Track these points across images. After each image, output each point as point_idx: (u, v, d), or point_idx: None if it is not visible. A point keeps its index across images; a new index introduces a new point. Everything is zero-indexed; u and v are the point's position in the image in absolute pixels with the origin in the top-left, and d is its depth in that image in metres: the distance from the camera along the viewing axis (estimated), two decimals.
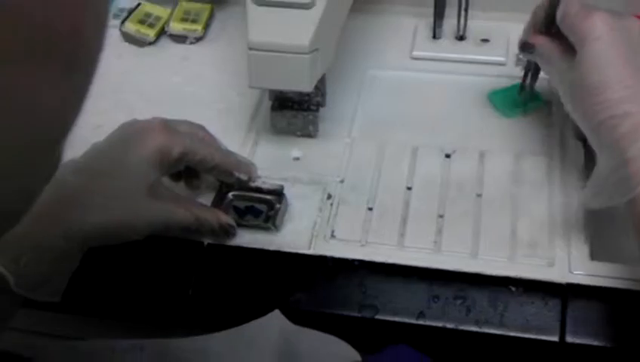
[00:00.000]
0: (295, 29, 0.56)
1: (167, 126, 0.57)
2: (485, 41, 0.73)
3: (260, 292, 0.56)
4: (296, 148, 0.66)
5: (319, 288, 0.56)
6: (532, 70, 0.64)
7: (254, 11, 0.57)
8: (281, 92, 0.63)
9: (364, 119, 0.68)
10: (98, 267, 0.57)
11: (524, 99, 0.66)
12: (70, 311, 0.58)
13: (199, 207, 0.59)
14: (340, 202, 0.61)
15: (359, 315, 0.54)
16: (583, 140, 0.62)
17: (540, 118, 0.66)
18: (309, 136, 0.66)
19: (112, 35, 0.78)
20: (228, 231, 0.59)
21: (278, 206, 0.59)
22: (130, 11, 0.79)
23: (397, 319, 0.54)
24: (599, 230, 0.58)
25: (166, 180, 0.60)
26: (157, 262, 0.58)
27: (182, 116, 0.61)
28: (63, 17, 0.24)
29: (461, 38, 0.73)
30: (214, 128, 0.62)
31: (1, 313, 0.51)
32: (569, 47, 0.55)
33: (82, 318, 0.61)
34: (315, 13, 0.56)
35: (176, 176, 0.61)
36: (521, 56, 0.69)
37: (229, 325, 0.54)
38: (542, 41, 0.58)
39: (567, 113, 0.57)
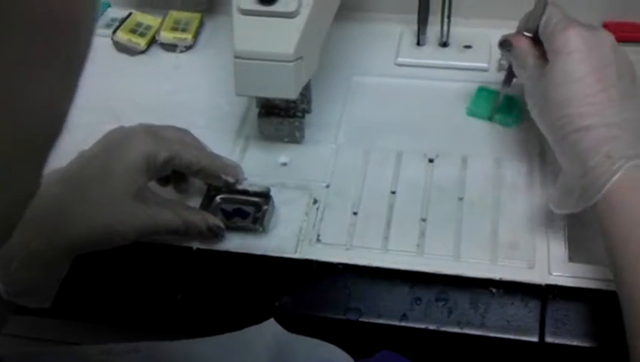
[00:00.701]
0: (280, 38, 0.57)
1: (153, 131, 0.57)
2: (468, 47, 0.74)
3: (248, 296, 0.57)
4: (284, 154, 0.67)
5: (305, 291, 0.57)
6: (506, 74, 0.64)
7: (240, 20, 0.58)
8: (267, 99, 0.64)
9: (350, 125, 0.69)
10: (88, 272, 0.57)
11: (494, 107, 0.67)
12: (61, 316, 0.59)
13: (187, 209, 0.59)
14: (326, 207, 0.62)
15: (344, 318, 0.55)
16: None
17: (519, 124, 0.67)
18: (296, 142, 0.67)
19: (104, 44, 0.79)
20: (216, 233, 0.59)
21: (265, 207, 0.60)
22: (122, 21, 0.80)
23: (381, 321, 0.55)
24: (577, 233, 0.58)
25: (154, 185, 0.60)
26: (146, 267, 0.59)
27: (172, 124, 0.62)
28: (65, 10, 0.23)
29: (444, 44, 0.74)
30: (204, 135, 0.63)
31: None
32: (544, 55, 0.56)
33: (73, 323, 0.62)
34: (300, 22, 0.57)
35: (165, 181, 0.62)
36: (502, 62, 0.70)
37: (218, 328, 0.54)
38: (521, 43, 0.58)
39: None
